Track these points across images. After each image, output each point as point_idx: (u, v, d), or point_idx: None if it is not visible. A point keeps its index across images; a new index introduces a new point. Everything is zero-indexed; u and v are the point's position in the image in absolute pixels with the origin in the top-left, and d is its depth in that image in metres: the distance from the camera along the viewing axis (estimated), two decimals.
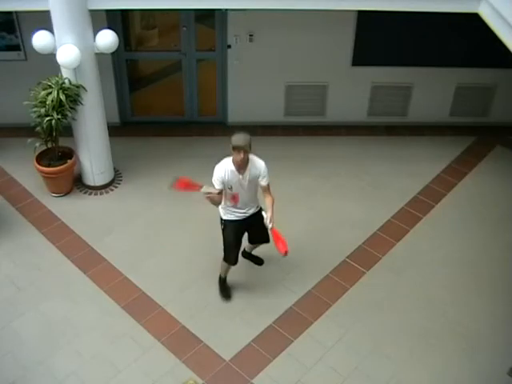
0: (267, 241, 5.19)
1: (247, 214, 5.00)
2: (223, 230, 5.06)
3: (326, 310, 5.31)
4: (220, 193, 4.74)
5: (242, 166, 4.68)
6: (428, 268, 5.79)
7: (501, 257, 5.91)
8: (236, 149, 4.53)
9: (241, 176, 4.72)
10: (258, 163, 4.79)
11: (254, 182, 4.82)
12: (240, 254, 5.35)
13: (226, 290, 5.44)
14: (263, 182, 4.82)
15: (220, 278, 5.43)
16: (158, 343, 4.96)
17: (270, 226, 4.71)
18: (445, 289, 5.56)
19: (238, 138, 4.54)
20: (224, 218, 5.00)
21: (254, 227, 5.11)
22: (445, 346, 5.00)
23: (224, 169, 4.70)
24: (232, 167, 4.68)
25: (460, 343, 5.03)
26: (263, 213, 4.98)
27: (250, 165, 4.73)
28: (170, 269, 5.67)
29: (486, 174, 7.13)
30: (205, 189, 4.71)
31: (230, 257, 5.13)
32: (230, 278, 5.47)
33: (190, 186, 4.78)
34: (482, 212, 6.54)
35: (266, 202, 4.85)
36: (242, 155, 4.54)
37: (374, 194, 6.77)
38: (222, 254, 5.14)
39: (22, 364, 4.77)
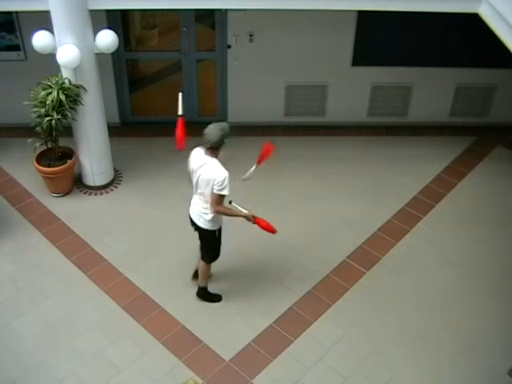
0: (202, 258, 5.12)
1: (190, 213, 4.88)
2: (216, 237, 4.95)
3: (326, 309, 5.31)
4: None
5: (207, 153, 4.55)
6: (428, 268, 5.80)
7: (501, 257, 5.91)
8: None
9: (200, 161, 4.55)
10: (216, 170, 4.43)
11: (204, 184, 4.52)
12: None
13: (214, 295, 5.34)
14: (213, 190, 4.46)
15: (206, 289, 5.30)
16: (158, 343, 4.96)
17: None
18: (445, 289, 5.56)
19: (207, 131, 4.51)
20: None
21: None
22: (445, 346, 5.00)
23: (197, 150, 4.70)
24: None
25: (460, 343, 5.04)
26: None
27: (208, 165, 4.48)
28: (170, 269, 5.67)
29: (486, 174, 7.12)
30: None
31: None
32: (230, 278, 5.51)
33: None
34: (482, 212, 6.53)
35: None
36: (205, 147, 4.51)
37: (374, 194, 6.77)
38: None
39: (22, 364, 4.77)
